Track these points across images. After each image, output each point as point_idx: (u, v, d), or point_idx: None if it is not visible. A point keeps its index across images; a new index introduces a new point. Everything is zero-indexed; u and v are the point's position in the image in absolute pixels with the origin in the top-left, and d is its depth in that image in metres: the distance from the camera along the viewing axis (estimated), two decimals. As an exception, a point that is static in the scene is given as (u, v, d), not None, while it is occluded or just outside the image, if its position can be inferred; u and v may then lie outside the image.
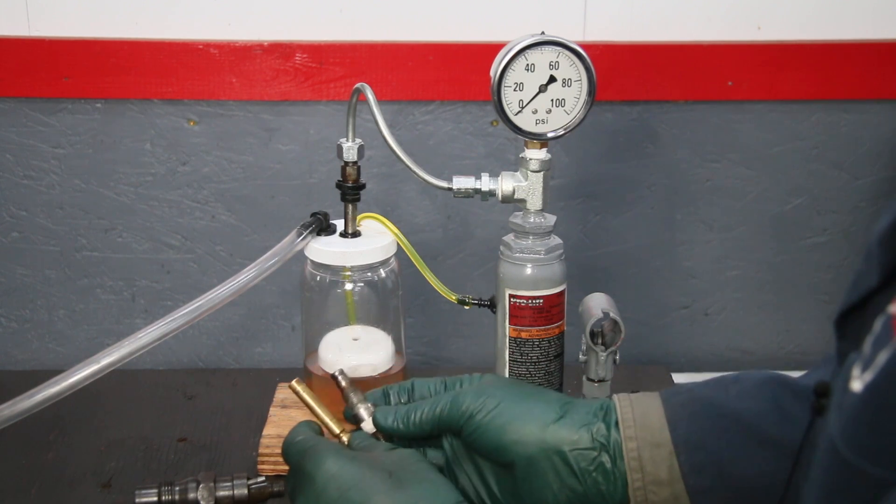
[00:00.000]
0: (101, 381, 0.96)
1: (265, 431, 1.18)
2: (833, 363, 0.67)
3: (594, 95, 1.07)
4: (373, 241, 1.16)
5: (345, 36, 1.31)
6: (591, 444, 0.84)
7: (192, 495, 1.04)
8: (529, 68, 1.06)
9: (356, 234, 1.17)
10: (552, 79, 1.07)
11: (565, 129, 1.08)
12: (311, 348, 1.21)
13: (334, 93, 1.32)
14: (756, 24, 1.33)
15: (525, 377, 1.12)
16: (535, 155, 1.09)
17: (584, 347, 1.10)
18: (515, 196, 1.10)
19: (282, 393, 1.25)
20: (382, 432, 0.87)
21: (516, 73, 1.06)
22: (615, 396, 0.87)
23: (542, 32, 1.06)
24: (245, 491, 1.05)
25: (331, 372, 0.88)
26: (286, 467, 0.85)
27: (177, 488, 1.04)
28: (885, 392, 0.52)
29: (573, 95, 1.07)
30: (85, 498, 1.12)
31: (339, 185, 1.16)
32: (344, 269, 1.17)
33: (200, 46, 1.30)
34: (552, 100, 1.07)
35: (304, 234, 1.13)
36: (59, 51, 1.30)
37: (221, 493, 1.04)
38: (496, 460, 0.86)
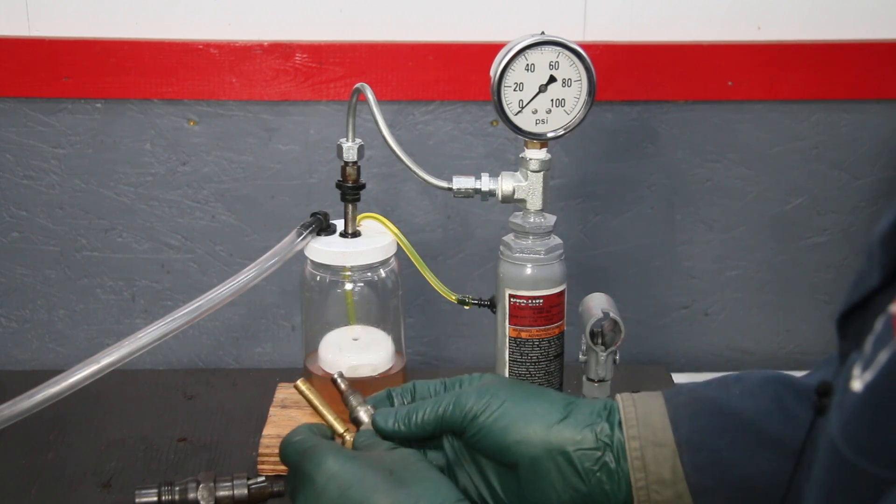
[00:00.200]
0: (101, 381, 0.96)
1: (265, 431, 1.18)
2: (835, 363, 0.67)
3: (594, 95, 1.07)
4: (373, 241, 1.16)
5: (344, 36, 1.31)
6: (595, 443, 0.84)
7: (192, 495, 1.04)
8: (529, 68, 1.06)
9: (356, 234, 1.17)
10: (552, 79, 1.07)
11: (565, 129, 1.08)
12: (311, 348, 1.21)
13: (334, 93, 1.32)
14: (756, 24, 1.33)
15: (525, 377, 1.12)
16: (535, 155, 1.09)
17: (584, 347, 1.10)
18: (515, 196, 1.10)
19: (282, 393, 1.25)
20: (383, 436, 0.87)
21: (516, 73, 1.06)
22: (618, 396, 0.87)
23: (542, 32, 1.06)
24: (245, 491, 1.05)
25: (330, 372, 0.88)
26: (286, 468, 0.85)
27: (177, 488, 1.04)
28: (885, 391, 0.52)
29: (573, 95, 1.07)
30: (85, 498, 1.12)
31: (339, 185, 1.16)
32: (344, 269, 1.17)
33: (200, 46, 1.30)
34: (552, 100, 1.07)
35: (304, 234, 1.13)
36: (59, 51, 1.30)
37: (221, 493, 1.04)
38: (499, 460, 0.86)
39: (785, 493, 0.73)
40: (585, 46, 1.07)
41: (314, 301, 1.20)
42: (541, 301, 1.10)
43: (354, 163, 1.15)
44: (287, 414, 1.21)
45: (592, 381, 1.10)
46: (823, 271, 1.42)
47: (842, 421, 0.55)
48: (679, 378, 1.35)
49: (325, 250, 1.15)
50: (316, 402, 0.89)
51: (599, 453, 0.84)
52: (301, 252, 1.14)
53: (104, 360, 0.96)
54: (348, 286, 1.18)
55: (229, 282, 1.06)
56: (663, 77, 1.33)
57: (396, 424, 0.86)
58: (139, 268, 1.38)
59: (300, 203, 1.36)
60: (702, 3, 1.32)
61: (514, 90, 1.06)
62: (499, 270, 1.11)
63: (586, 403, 0.87)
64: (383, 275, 1.18)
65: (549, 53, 1.06)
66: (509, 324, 1.11)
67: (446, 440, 0.89)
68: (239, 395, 1.32)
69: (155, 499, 1.04)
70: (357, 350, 1.19)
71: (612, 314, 1.08)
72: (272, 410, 1.22)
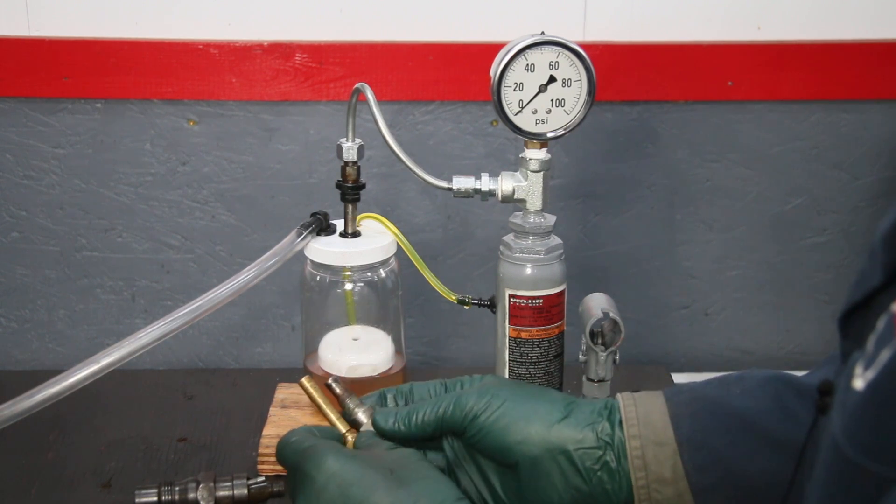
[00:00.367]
0: (101, 381, 0.96)
1: (265, 431, 1.18)
2: (837, 362, 0.67)
3: (594, 95, 1.07)
4: (373, 241, 1.16)
5: (344, 36, 1.31)
6: (597, 443, 0.84)
7: (192, 495, 1.04)
8: (529, 68, 1.06)
9: (356, 234, 1.17)
10: (552, 79, 1.07)
11: (565, 129, 1.08)
12: (311, 348, 1.21)
13: (334, 93, 1.32)
14: (756, 24, 1.33)
15: (525, 377, 1.12)
16: (535, 155, 1.09)
17: (584, 347, 1.10)
18: (515, 196, 1.10)
19: (282, 393, 1.25)
20: (383, 436, 0.87)
21: (516, 73, 1.06)
22: (619, 395, 0.87)
23: (542, 32, 1.06)
24: (245, 491, 1.05)
25: (331, 373, 0.88)
26: (284, 468, 0.85)
27: (177, 488, 1.04)
28: (887, 390, 0.52)
29: (573, 95, 1.07)
30: (85, 498, 1.12)
31: (339, 185, 1.16)
32: (344, 269, 1.17)
33: (200, 46, 1.30)
34: (552, 100, 1.07)
35: (304, 234, 1.14)
36: (59, 51, 1.30)
37: (221, 493, 1.04)
38: (500, 461, 0.86)
39: (786, 492, 0.73)
40: (585, 46, 1.07)
41: (314, 301, 1.20)
42: (541, 301, 1.10)
43: (354, 163, 1.15)
44: (287, 414, 1.21)
45: (592, 381, 1.10)
46: (823, 271, 1.42)
47: (843, 420, 0.55)
48: (679, 378, 1.35)
49: (325, 250, 1.15)
50: (319, 400, 0.89)
51: (600, 452, 0.84)
52: (301, 252, 1.14)
53: (104, 360, 0.96)
54: (348, 286, 1.18)
55: (229, 282, 1.06)
56: (663, 77, 1.34)
57: (397, 424, 0.86)
58: (139, 268, 1.38)
59: (300, 203, 1.36)
60: (702, 3, 1.32)
61: (514, 90, 1.06)
62: (499, 270, 1.11)
63: (587, 403, 0.87)
64: (383, 275, 1.18)
65: (549, 53, 1.06)
66: (509, 324, 1.11)
67: (446, 441, 0.89)
68: (239, 395, 1.32)
69: (155, 499, 1.04)
70: (357, 350, 1.19)
71: (612, 314, 1.08)
72: (272, 410, 1.22)
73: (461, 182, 1.10)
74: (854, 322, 0.63)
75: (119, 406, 1.28)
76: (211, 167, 1.35)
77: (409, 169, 1.11)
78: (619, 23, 1.32)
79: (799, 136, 1.37)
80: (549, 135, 1.08)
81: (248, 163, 1.36)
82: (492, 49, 1.08)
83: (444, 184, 1.11)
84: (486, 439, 0.85)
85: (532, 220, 1.10)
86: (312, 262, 1.16)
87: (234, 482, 1.05)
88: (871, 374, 0.53)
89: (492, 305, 1.13)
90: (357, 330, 1.20)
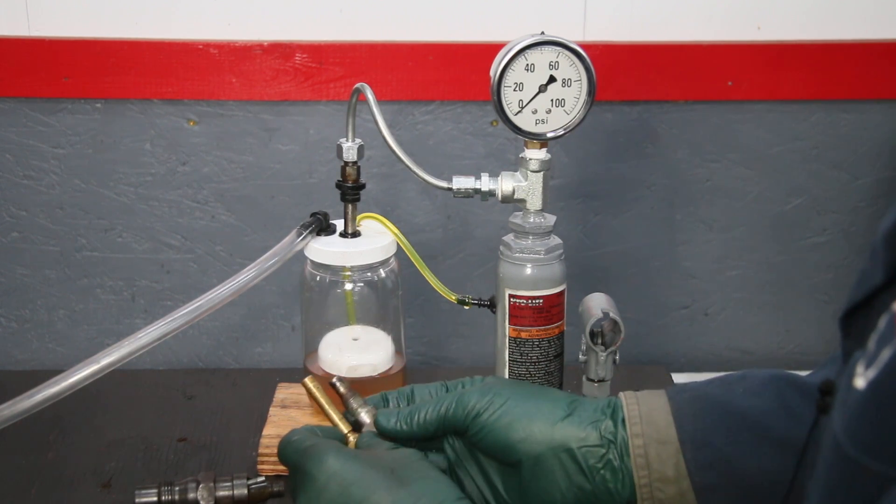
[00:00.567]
0: (101, 381, 0.96)
1: (265, 431, 1.18)
2: (838, 362, 0.67)
3: (594, 95, 1.07)
4: (373, 241, 1.16)
5: (344, 36, 1.31)
6: (600, 441, 0.84)
7: (191, 495, 1.04)
8: (529, 68, 1.06)
9: (356, 234, 1.17)
10: (552, 79, 1.07)
11: (565, 129, 1.08)
12: (311, 348, 1.21)
13: (334, 93, 1.32)
14: (756, 24, 1.33)
15: (525, 377, 1.11)
16: (535, 155, 1.09)
17: (584, 347, 1.10)
18: (515, 196, 1.10)
19: (282, 393, 1.25)
20: (385, 435, 0.87)
21: (516, 73, 1.06)
22: (621, 394, 0.87)
23: (542, 32, 1.06)
24: (245, 491, 1.05)
25: (331, 373, 0.88)
26: (285, 468, 0.85)
27: (177, 488, 1.04)
28: (888, 388, 0.52)
29: (573, 95, 1.07)
30: (85, 498, 1.12)
31: (338, 185, 1.16)
32: (344, 269, 1.17)
33: (200, 46, 1.30)
34: (552, 100, 1.07)
35: (304, 234, 1.13)
36: (59, 51, 1.30)
37: (221, 493, 1.04)
38: (502, 460, 0.86)
39: (788, 490, 0.73)
40: (585, 46, 1.07)
41: (314, 301, 1.20)
42: (541, 301, 1.10)
43: (354, 163, 1.15)
44: (287, 414, 1.21)
45: (592, 381, 1.10)
46: (823, 271, 1.42)
47: (845, 418, 0.55)
48: (679, 378, 1.35)
49: (325, 250, 1.15)
50: (322, 401, 0.89)
51: (604, 450, 0.84)
52: (301, 252, 1.14)
53: (104, 360, 0.96)
54: (348, 286, 1.18)
55: (229, 282, 1.06)
56: (663, 77, 1.33)
57: (399, 424, 0.86)
58: (139, 268, 1.38)
59: (300, 203, 1.36)
60: (702, 3, 1.32)
61: (514, 90, 1.06)
62: (499, 270, 1.11)
63: (589, 401, 0.87)
64: (383, 275, 1.18)
65: (549, 53, 1.06)
66: (509, 324, 1.11)
67: (447, 442, 0.89)
68: (239, 395, 1.32)
69: (155, 499, 1.04)
70: (357, 350, 1.19)
71: (612, 314, 1.08)
72: (272, 410, 1.22)
73: (461, 182, 1.10)
74: (856, 321, 0.63)
75: (119, 406, 1.28)
76: (211, 167, 1.35)
77: (409, 169, 1.11)
78: (618, 23, 1.32)
79: (799, 136, 1.37)
80: (549, 135, 1.08)
81: (248, 163, 1.36)
82: (492, 49, 1.08)
83: (444, 184, 1.11)
84: (489, 438, 0.85)
85: (532, 220, 1.10)
86: (312, 262, 1.16)
87: (234, 482, 1.05)
88: (872, 372, 0.53)
89: (492, 305, 1.13)
90: (357, 330, 1.20)
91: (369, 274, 1.18)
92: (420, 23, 1.31)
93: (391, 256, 1.17)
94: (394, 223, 1.17)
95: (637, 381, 1.26)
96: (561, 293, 1.11)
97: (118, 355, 0.96)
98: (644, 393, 0.87)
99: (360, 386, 0.92)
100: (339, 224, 1.17)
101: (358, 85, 1.11)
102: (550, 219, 1.11)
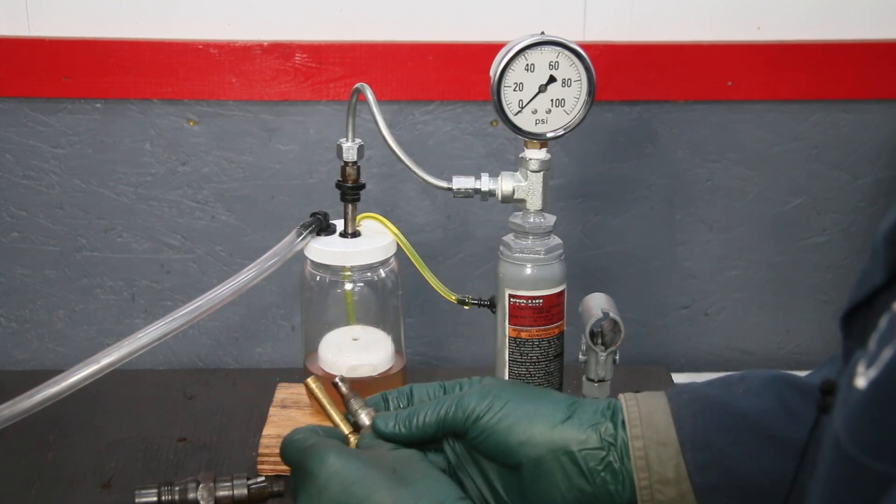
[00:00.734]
0: (101, 381, 0.96)
1: (265, 431, 1.18)
2: (839, 362, 0.67)
3: (594, 95, 1.07)
4: (373, 241, 1.16)
5: (344, 36, 1.31)
6: (600, 443, 0.84)
7: (191, 495, 1.04)
8: (529, 68, 1.06)
9: (356, 234, 1.17)
10: (552, 79, 1.07)
11: (565, 129, 1.08)
12: (311, 348, 1.21)
13: (334, 93, 1.32)
14: (756, 24, 1.33)
15: (525, 377, 1.12)
16: (535, 155, 1.09)
17: (583, 347, 1.10)
18: (515, 196, 1.10)
19: (282, 393, 1.25)
20: (383, 439, 0.87)
21: (516, 73, 1.06)
22: (621, 395, 0.87)
23: (542, 32, 1.06)
24: (245, 491, 1.05)
25: (331, 373, 0.88)
26: (286, 467, 0.85)
27: (177, 488, 1.04)
28: (888, 388, 0.52)
29: (573, 95, 1.07)
30: (85, 498, 1.12)
31: (338, 185, 1.16)
32: (344, 269, 1.17)
33: (200, 46, 1.30)
34: (552, 100, 1.07)
35: (304, 234, 1.13)
36: (59, 51, 1.30)
37: (221, 493, 1.04)
38: (503, 462, 0.86)
39: (788, 491, 0.73)
40: (585, 46, 1.07)
41: (314, 301, 1.20)
42: (541, 301, 1.10)
43: (354, 163, 1.15)
44: (287, 414, 1.21)
45: (592, 381, 1.10)
46: (823, 271, 1.42)
47: (846, 418, 0.55)
48: (679, 378, 1.35)
49: (324, 250, 1.15)
50: (325, 401, 0.88)
51: (604, 453, 0.84)
52: (301, 252, 1.14)
53: (104, 360, 0.96)
54: (348, 286, 1.18)
55: (229, 282, 1.06)
56: (663, 77, 1.34)
57: (397, 427, 0.86)
58: (139, 268, 1.38)
59: (300, 203, 1.36)
60: (702, 3, 1.32)
61: (514, 90, 1.06)
62: (499, 270, 1.11)
63: (589, 403, 0.87)
64: (383, 275, 1.18)
65: (549, 53, 1.06)
66: (509, 324, 1.11)
67: (447, 443, 0.88)
68: (239, 395, 1.32)
69: (155, 499, 1.04)
70: (357, 350, 1.19)
71: (611, 314, 1.08)
72: (272, 410, 1.22)
73: (461, 182, 1.10)
74: (856, 321, 0.63)
75: (119, 406, 1.28)
76: (211, 167, 1.35)
77: (409, 169, 1.11)
78: (618, 23, 1.32)
79: (799, 136, 1.37)
80: (549, 135, 1.08)
81: (248, 163, 1.36)
82: (492, 49, 1.08)
83: (444, 184, 1.11)
84: (489, 441, 0.85)
85: (532, 220, 1.10)
86: (312, 262, 1.16)
87: (234, 482, 1.05)
88: (873, 372, 0.53)
89: (492, 305, 1.13)
90: (357, 330, 1.20)
91: (369, 274, 1.18)
92: (420, 23, 1.31)
93: (391, 256, 1.17)
94: (394, 223, 1.17)
95: (637, 381, 1.27)
96: (561, 293, 1.11)
97: (118, 355, 0.96)
98: (644, 394, 0.87)
99: (360, 386, 0.92)
100: (339, 224, 1.17)
101: (358, 85, 1.11)
102: (550, 219, 1.11)
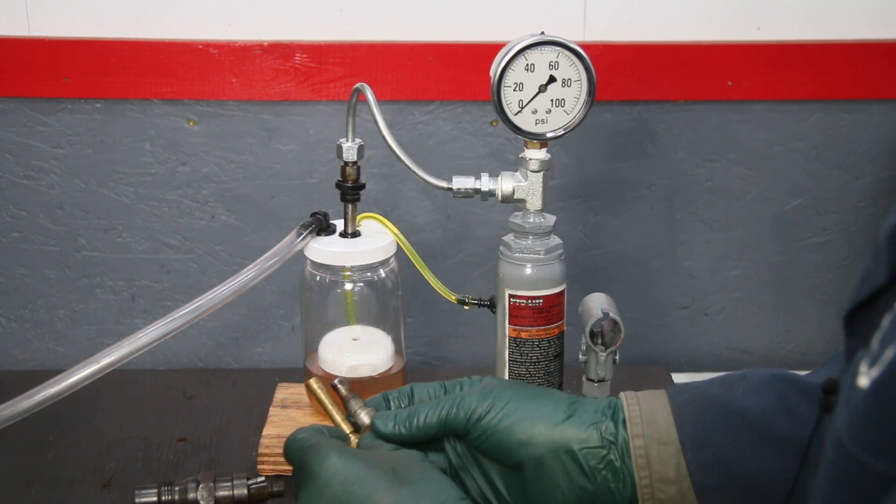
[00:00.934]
0: (101, 381, 0.96)
1: (265, 431, 1.18)
2: (840, 361, 0.67)
3: (594, 95, 1.07)
4: (373, 241, 1.16)
5: (344, 36, 1.31)
6: (601, 442, 0.84)
7: (191, 495, 1.04)
8: (529, 68, 1.06)
9: (356, 234, 1.17)
10: (552, 79, 1.07)
11: (565, 129, 1.08)
12: (311, 348, 1.21)
13: (334, 93, 1.32)
14: (756, 24, 1.33)
15: (525, 377, 1.11)
16: (535, 155, 1.09)
17: (583, 347, 1.10)
18: (515, 196, 1.10)
19: (282, 393, 1.25)
20: (383, 439, 0.87)
21: (516, 73, 1.06)
22: (622, 394, 0.87)
23: (542, 32, 1.06)
24: (245, 491, 1.05)
25: (331, 373, 0.88)
26: (286, 467, 0.85)
27: (177, 488, 1.04)
28: (891, 387, 0.52)
29: (573, 95, 1.07)
30: (85, 498, 1.12)
31: (338, 185, 1.16)
32: (344, 269, 1.17)
33: (200, 46, 1.30)
34: (552, 100, 1.07)
35: (304, 234, 1.13)
36: (59, 51, 1.30)
37: (221, 493, 1.04)
38: (504, 462, 0.86)
39: (790, 490, 0.73)
40: (585, 46, 1.07)
41: (314, 301, 1.20)
42: (541, 301, 1.10)
43: (354, 163, 1.15)
44: (287, 414, 1.21)
45: (592, 381, 1.10)
46: (823, 271, 1.42)
47: (848, 417, 0.55)
48: (679, 378, 1.35)
49: (324, 250, 1.15)
50: (326, 402, 0.88)
51: (605, 451, 0.84)
52: (301, 252, 1.14)
53: (104, 360, 0.96)
54: (348, 286, 1.18)
55: (229, 282, 1.06)
56: (663, 77, 1.33)
57: (397, 427, 0.86)
58: (139, 268, 1.38)
59: (300, 203, 1.36)
60: (702, 3, 1.32)
61: (514, 90, 1.06)
62: (499, 270, 1.11)
63: (590, 402, 0.87)
64: (383, 275, 1.18)
65: (549, 53, 1.06)
66: (509, 324, 1.11)
67: (448, 443, 0.88)
68: (239, 395, 1.32)
69: (155, 499, 1.03)
70: (357, 350, 1.19)
71: (611, 314, 1.08)
72: (272, 410, 1.22)
73: (461, 182, 1.10)
74: (859, 320, 0.63)
75: (119, 406, 1.28)
76: (211, 167, 1.35)
77: (409, 169, 1.11)
78: (618, 23, 1.32)
79: (799, 136, 1.37)
80: (549, 135, 1.08)
81: (247, 163, 1.36)
82: (492, 49, 1.08)
83: (444, 184, 1.11)
84: (491, 441, 0.85)
85: (532, 220, 1.10)
86: (312, 262, 1.16)
87: (234, 482, 1.05)
88: (875, 371, 0.53)
89: (492, 305, 1.13)
90: (357, 330, 1.20)
91: (369, 274, 1.18)
92: (420, 23, 1.31)
93: (391, 256, 1.17)
94: (394, 223, 1.17)
95: (637, 381, 1.26)
96: (561, 293, 1.11)
97: (118, 355, 0.96)
98: (644, 393, 0.87)
99: (360, 386, 0.92)
100: (339, 224, 1.17)
101: (358, 85, 1.11)
102: (550, 219, 1.11)
